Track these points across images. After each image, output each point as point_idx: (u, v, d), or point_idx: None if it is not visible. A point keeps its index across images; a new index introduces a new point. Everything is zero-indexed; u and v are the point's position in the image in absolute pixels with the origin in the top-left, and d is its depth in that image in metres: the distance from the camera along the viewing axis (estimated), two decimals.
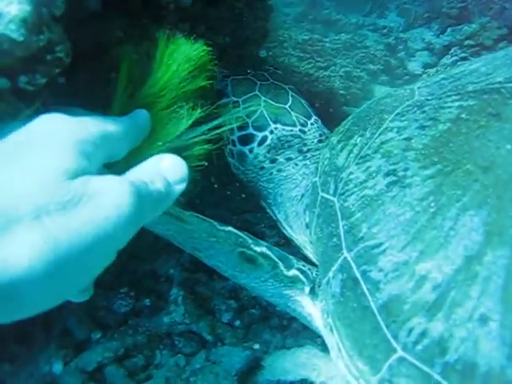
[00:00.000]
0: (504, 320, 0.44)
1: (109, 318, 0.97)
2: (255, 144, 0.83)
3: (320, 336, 0.72)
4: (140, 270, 1.05)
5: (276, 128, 0.83)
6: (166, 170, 0.44)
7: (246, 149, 0.84)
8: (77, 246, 0.33)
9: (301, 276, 0.67)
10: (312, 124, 0.89)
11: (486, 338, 0.44)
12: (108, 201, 0.36)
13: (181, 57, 0.52)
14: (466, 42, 1.99)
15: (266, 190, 0.87)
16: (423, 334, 0.48)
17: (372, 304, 0.53)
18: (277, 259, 0.67)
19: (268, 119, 0.83)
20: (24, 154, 0.36)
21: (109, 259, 0.39)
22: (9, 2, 0.39)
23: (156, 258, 1.08)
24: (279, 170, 0.85)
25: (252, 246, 0.66)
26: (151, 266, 1.06)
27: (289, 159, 0.85)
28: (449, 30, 2.13)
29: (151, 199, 0.41)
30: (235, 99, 0.85)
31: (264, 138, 0.83)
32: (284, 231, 0.88)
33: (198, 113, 0.52)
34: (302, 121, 0.87)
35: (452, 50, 1.99)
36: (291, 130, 0.84)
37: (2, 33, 0.39)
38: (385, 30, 2.42)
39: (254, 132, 0.83)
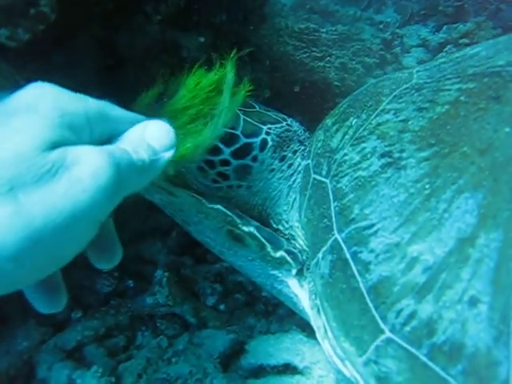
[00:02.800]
0: (493, 302, 0.44)
1: (90, 298, 0.94)
2: (257, 151, 0.78)
3: (306, 321, 0.71)
4: (125, 252, 1.02)
5: (270, 128, 0.79)
6: (151, 138, 0.42)
7: (247, 160, 0.77)
8: (52, 221, 0.31)
9: (288, 258, 0.66)
10: (289, 117, 0.86)
11: (475, 319, 0.44)
12: (85, 173, 0.34)
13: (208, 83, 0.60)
14: (461, 41, 1.99)
15: (276, 190, 0.82)
16: (412, 315, 0.48)
17: (361, 285, 0.52)
18: (264, 241, 0.66)
19: (256, 123, 0.78)
20: (5, 122, 0.33)
21: (90, 233, 0.37)
22: None
23: (142, 241, 1.06)
24: (290, 165, 0.81)
25: (240, 225, 0.64)
26: (136, 249, 1.04)
27: (295, 152, 0.82)
28: (444, 27, 2.12)
29: (134, 169, 0.39)
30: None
31: (264, 142, 0.78)
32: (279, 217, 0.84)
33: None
34: (281, 116, 0.84)
35: (447, 48, 2.00)
36: (282, 127, 0.81)
37: None
38: (381, 25, 2.41)
39: (249, 140, 0.77)
